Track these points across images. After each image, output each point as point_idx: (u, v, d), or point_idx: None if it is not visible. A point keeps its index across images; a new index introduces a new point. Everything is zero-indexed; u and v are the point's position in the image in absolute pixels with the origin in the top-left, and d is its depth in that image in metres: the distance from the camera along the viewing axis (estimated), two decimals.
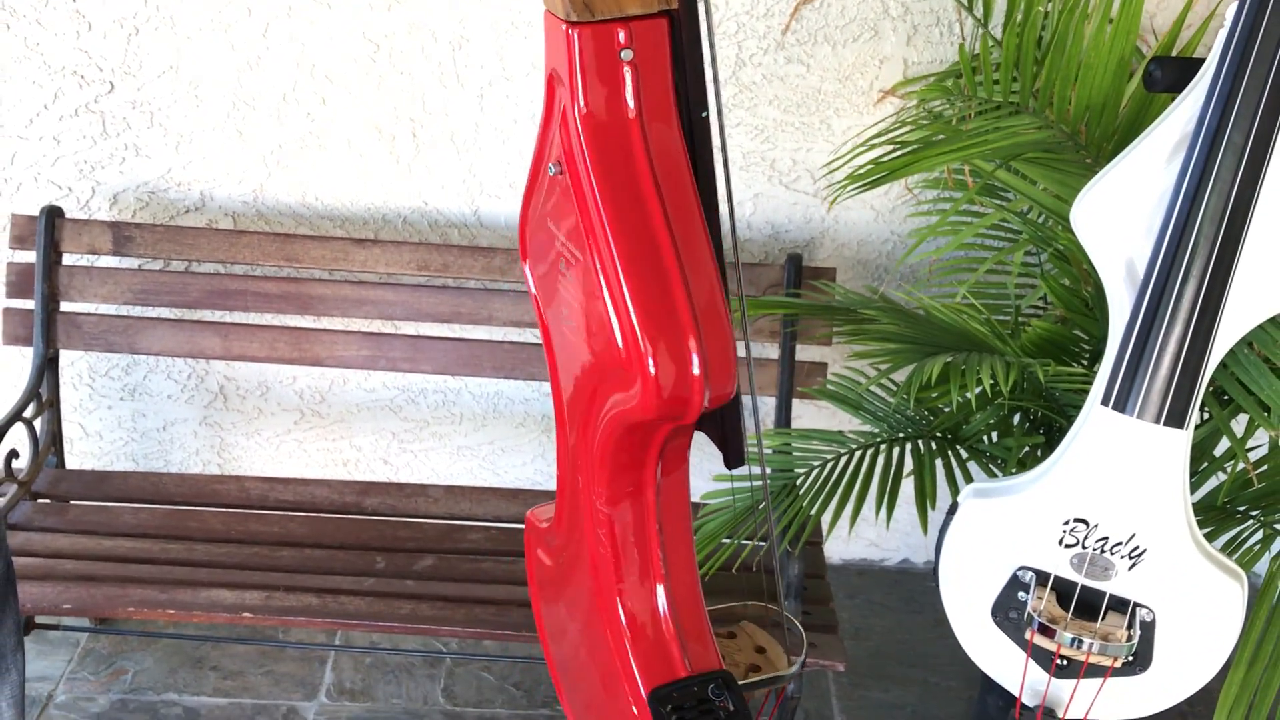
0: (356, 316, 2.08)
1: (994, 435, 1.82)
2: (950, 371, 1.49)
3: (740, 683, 1.21)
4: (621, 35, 0.88)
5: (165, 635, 2.18)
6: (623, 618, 1.02)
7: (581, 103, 0.90)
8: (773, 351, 2.07)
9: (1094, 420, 1.29)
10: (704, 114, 0.95)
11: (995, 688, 1.69)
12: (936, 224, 1.74)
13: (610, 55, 0.89)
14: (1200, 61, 1.23)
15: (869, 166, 1.61)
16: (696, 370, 0.96)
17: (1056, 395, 1.70)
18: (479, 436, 2.44)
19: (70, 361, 2.30)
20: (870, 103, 2.09)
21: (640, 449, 1.02)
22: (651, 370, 0.94)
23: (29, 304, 2.06)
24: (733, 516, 1.74)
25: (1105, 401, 1.27)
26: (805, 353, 2.07)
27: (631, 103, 0.90)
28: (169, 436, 2.44)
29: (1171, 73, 1.26)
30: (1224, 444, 1.68)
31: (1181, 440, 1.25)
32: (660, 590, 1.04)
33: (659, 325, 0.93)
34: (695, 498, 1.86)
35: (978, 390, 1.50)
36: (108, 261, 2.12)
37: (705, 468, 2.20)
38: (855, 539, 2.56)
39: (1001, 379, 1.46)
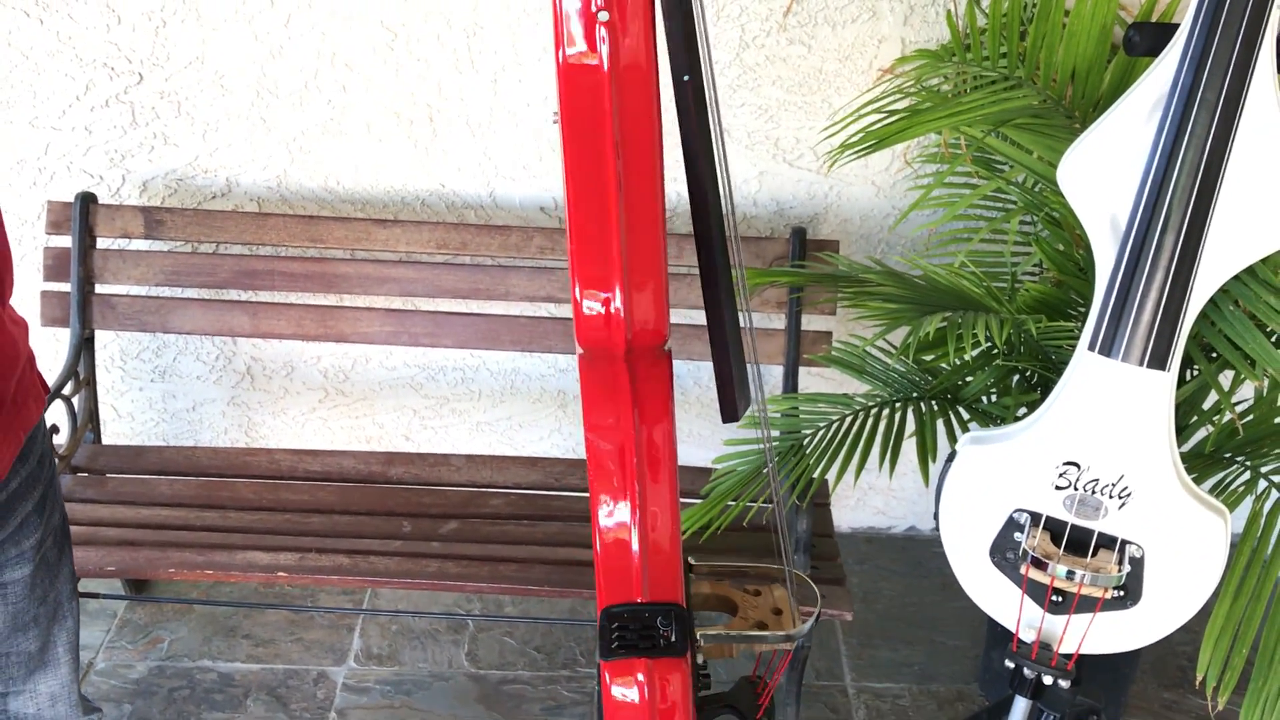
0: (378, 294, 2.16)
1: (993, 395, 1.90)
2: (947, 329, 1.57)
3: (735, 633, 1.29)
4: None
5: (199, 602, 2.27)
6: (598, 533, 1.11)
7: (560, 54, 0.98)
8: (780, 322, 2.15)
9: (1082, 366, 1.37)
10: (685, 78, 1.03)
11: (1000, 644, 1.77)
12: (926, 191, 1.82)
13: (588, 14, 0.96)
14: (1176, 26, 1.31)
15: (860, 135, 1.69)
16: (616, 310, 1.05)
17: (1051, 356, 1.78)
18: (497, 412, 2.52)
19: (103, 345, 2.39)
20: (870, 81, 2.16)
21: (609, 383, 1.10)
22: (578, 299, 1.04)
23: (65, 287, 2.15)
24: (740, 479, 1.82)
25: (1092, 347, 1.35)
26: (811, 322, 2.15)
27: (605, 61, 0.97)
28: (198, 416, 2.53)
29: (1149, 37, 1.34)
30: (1213, 398, 1.77)
31: (1165, 382, 1.33)
32: (632, 522, 1.11)
33: (590, 264, 1.02)
34: (708, 461, 1.94)
35: (974, 347, 1.60)
36: (140, 245, 2.21)
37: (717, 436, 2.29)
38: (863, 507, 2.63)
39: (996, 335, 1.54)
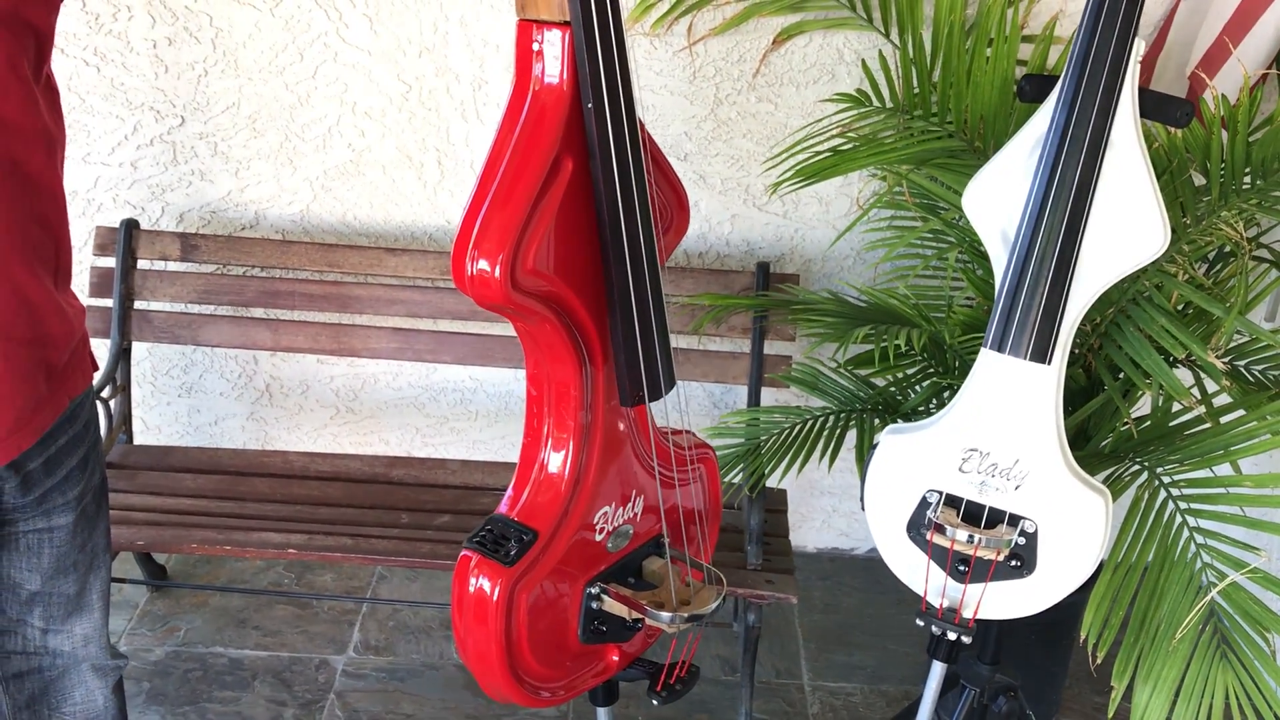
0: (387, 314, 2.41)
1: (930, 406, 2.13)
2: (875, 336, 1.81)
3: (615, 595, 1.46)
4: (535, 32, 1.26)
5: (214, 588, 2.48)
6: (518, 459, 1.41)
7: (513, 71, 1.30)
8: (745, 346, 2.39)
9: (982, 363, 1.60)
10: (589, 105, 1.29)
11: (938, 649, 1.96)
12: (854, 222, 2.11)
13: (527, 43, 1.27)
14: (1058, 77, 1.56)
15: (792, 172, 1.95)
16: (468, 268, 1.26)
17: None
18: (492, 432, 2.75)
19: (137, 361, 2.64)
20: (830, 134, 2.42)
21: (526, 338, 1.39)
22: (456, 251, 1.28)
23: (108, 303, 2.41)
24: None
25: (988, 345, 1.58)
26: (773, 347, 2.38)
27: (535, 78, 1.28)
28: (220, 430, 2.77)
29: (1036, 86, 1.59)
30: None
31: (1048, 374, 1.56)
32: (541, 450, 1.39)
33: (467, 226, 1.26)
34: None
35: (897, 354, 1.84)
36: (176, 267, 2.48)
37: None
38: (828, 529, 2.85)
39: (915, 342, 1.79)
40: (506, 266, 1.21)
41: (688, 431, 1.64)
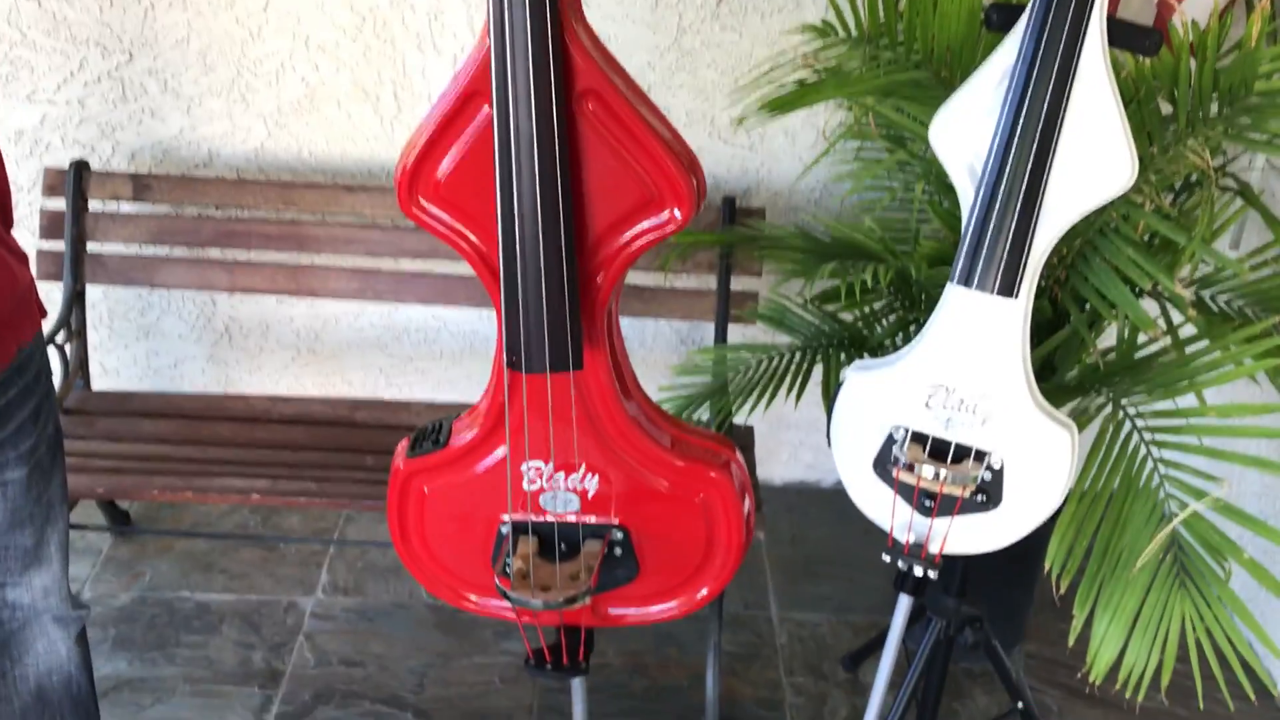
0: (346, 254, 2.36)
1: (897, 341, 2.12)
2: (841, 272, 1.79)
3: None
4: None
5: (178, 533, 2.46)
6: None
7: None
8: (711, 283, 2.36)
9: (948, 297, 1.59)
10: (489, 43, 1.20)
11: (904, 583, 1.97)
12: (826, 149, 2.08)
13: None
14: (1025, 5, 1.53)
15: (758, 105, 1.91)
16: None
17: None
18: (458, 371, 2.73)
19: (92, 304, 2.59)
20: (796, 66, 2.38)
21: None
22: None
23: (59, 245, 2.35)
24: (677, 408, 2.04)
25: (954, 280, 1.57)
26: (739, 283, 2.36)
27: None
28: (180, 373, 2.73)
29: (1004, 15, 1.56)
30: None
31: (1015, 308, 1.55)
32: (492, 380, 1.40)
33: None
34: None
35: (863, 289, 1.82)
36: (128, 208, 2.42)
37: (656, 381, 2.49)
38: (795, 462, 2.85)
39: (882, 278, 1.77)
40: (407, 178, 1.27)
41: (724, 466, 1.47)
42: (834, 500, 2.81)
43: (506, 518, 1.44)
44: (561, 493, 1.42)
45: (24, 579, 1.64)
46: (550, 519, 1.45)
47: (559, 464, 1.41)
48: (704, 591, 1.50)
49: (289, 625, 2.37)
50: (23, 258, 1.53)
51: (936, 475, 1.59)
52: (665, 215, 1.27)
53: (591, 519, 1.43)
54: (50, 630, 1.70)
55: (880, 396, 1.67)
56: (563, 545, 1.45)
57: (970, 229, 1.54)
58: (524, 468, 1.41)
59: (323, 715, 2.15)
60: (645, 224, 1.27)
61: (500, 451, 1.40)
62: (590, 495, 1.42)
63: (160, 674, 2.23)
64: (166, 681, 2.22)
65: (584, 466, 1.41)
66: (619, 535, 1.43)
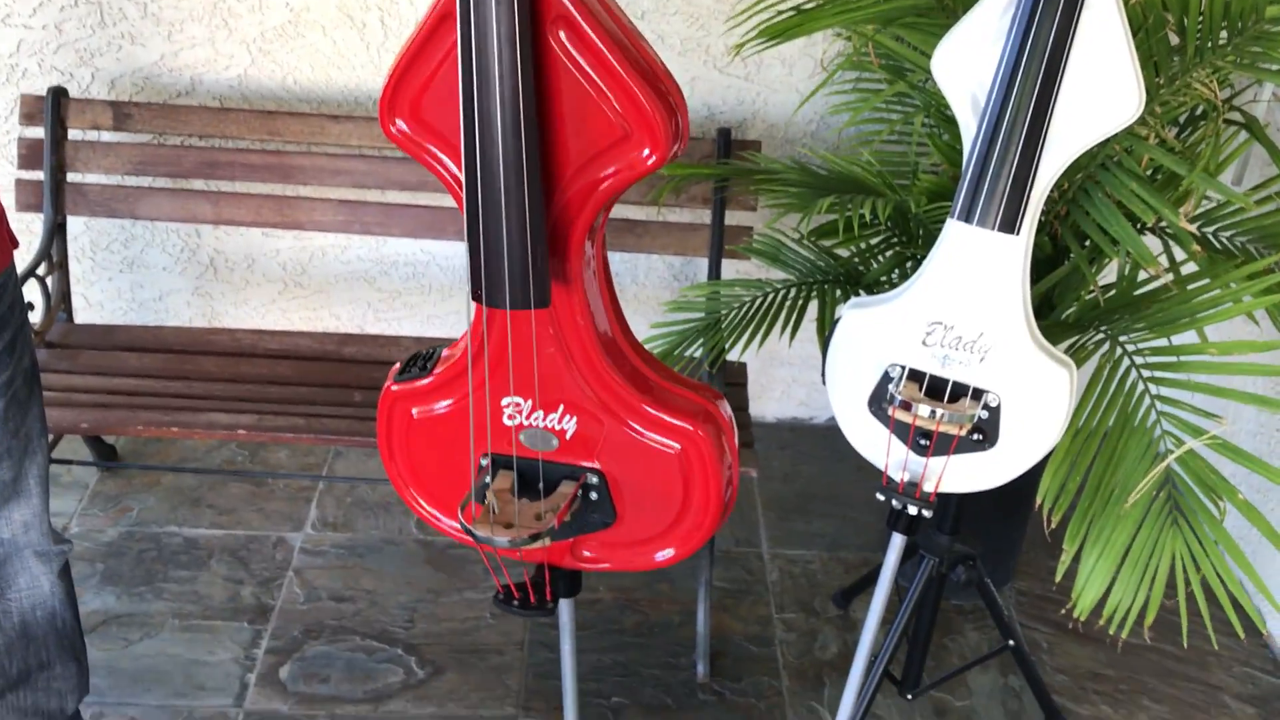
0: (332, 185, 2.31)
1: (894, 277, 2.09)
2: (839, 206, 1.75)
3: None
4: None
5: (165, 468, 2.43)
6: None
7: None
8: (705, 217, 2.32)
9: (948, 233, 1.55)
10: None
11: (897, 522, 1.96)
12: (818, 87, 2.02)
13: None
14: None
15: (755, 32, 1.86)
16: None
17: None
18: (446, 306, 2.69)
19: (74, 236, 2.54)
20: None
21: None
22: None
23: (39, 175, 2.29)
24: (670, 345, 2.01)
25: (955, 215, 1.53)
26: (734, 218, 2.32)
27: None
28: (164, 306, 2.69)
29: None
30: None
31: (1016, 245, 1.51)
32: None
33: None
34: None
35: (861, 225, 1.78)
36: (109, 137, 2.36)
37: (648, 317, 2.47)
38: (788, 399, 2.83)
39: (880, 212, 1.73)
40: (386, 98, 1.24)
41: (705, 419, 1.42)
42: (827, 437, 2.79)
43: (486, 459, 1.42)
44: (540, 431, 1.39)
45: (3, 513, 1.62)
46: (528, 456, 1.42)
47: (538, 402, 1.38)
48: (672, 552, 1.47)
49: (278, 561, 2.35)
50: None
51: (932, 414, 1.57)
52: (638, 155, 1.21)
53: (569, 460, 1.41)
54: (32, 565, 1.68)
55: (877, 334, 1.64)
56: (540, 485, 1.43)
57: (971, 163, 1.50)
58: (504, 403, 1.38)
59: (312, 650, 2.15)
60: (617, 163, 1.22)
61: (469, 380, 1.38)
62: (569, 436, 1.39)
63: (148, 609, 2.22)
64: (155, 617, 2.21)
65: (562, 407, 1.38)
66: (594, 480, 1.41)
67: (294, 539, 2.41)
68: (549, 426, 1.39)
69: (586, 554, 1.49)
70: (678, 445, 1.38)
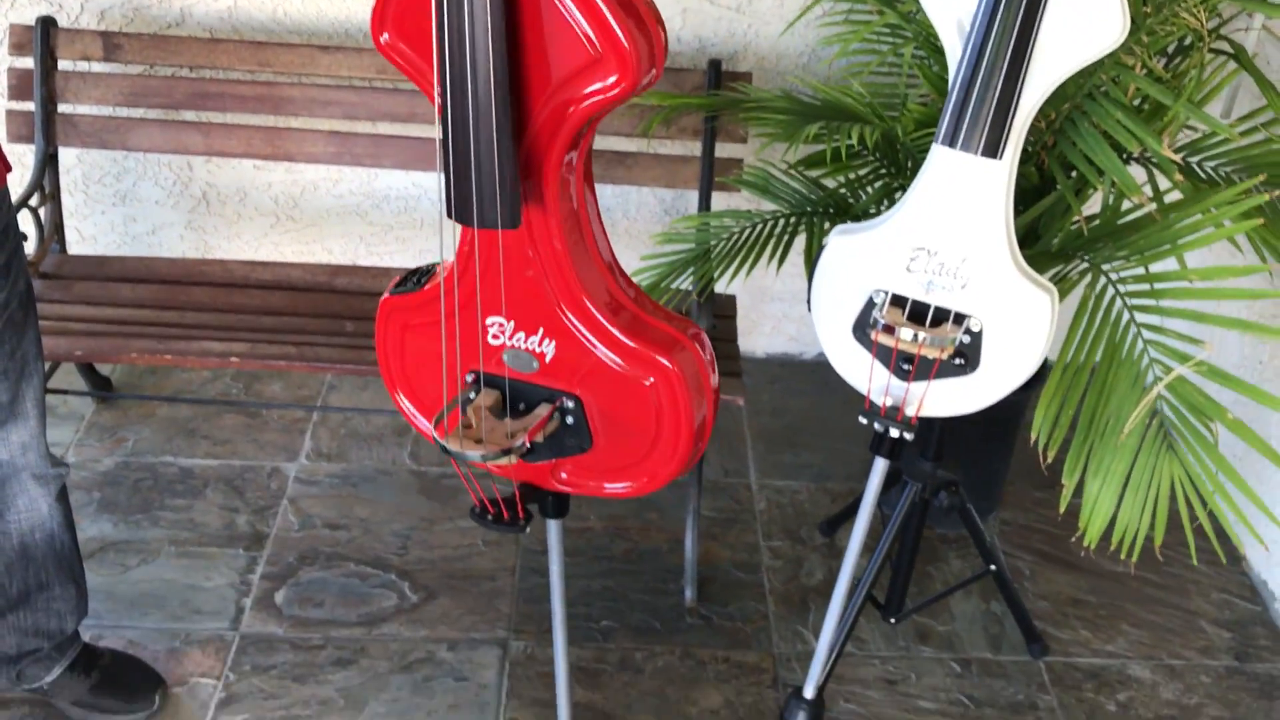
0: (323, 116, 2.31)
1: (881, 208, 2.10)
2: (826, 133, 1.76)
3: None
4: None
5: (161, 398, 2.46)
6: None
7: None
8: (696, 149, 2.33)
9: (932, 158, 1.56)
10: None
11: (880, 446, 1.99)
12: (806, 9, 2.00)
13: None
14: None
15: None
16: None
17: None
18: (438, 240, 2.70)
19: (66, 169, 2.54)
20: None
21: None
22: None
23: (29, 106, 2.29)
24: (659, 277, 2.03)
25: (939, 140, 1.54)
26: (724, 150, 2.33)
27: None
28: (157, 240, 2.70)
29: None
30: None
31: (999, 169, 1.52)
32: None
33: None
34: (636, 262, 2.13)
35: (849, 153, 1.79)
36: (99, 68, 2.36)
37: (639, 251, 2.48)
38: (778, 334, 2.85)
39: (868, 139, 1.74)
40: (378, 10, 1.25)
41: (679, 353, 1.42)
42: (816, 372, 2.82)
43: (472, 375, 1.45)
44: (522, 353, 1.41)
45: (1, 435, 1.65)
46: (521, 383, 1.45)
47: (519, 324, 1.40)
48: (649, 479, 1.49)
49: (273, 490, 2.39)
50: None
51: (915, 337, 1.59)
52: (608, 80, 1.21)
53: (548, 384, 1.43)
54: (30, 487, 1.71)
55: (862, 259, 1.66)
56: (521, 405, 1.45)
57: (956, 87, 1.51)
58: (488, 322, 1.40)
59: (307, 576, 2.19)
60: (587, 87, 1.22)
61: (457, 299, 1.40)
62: (548, 360, 1.41)
63: (145, 536, 2.26)
64: (151, 543, 2.24)
65: (542, 330, 1.40)
66: (570, 404, 1.43)
67: (289, 469, 2.44)
68: (529, 349, 1.41)
69: (564, 476, 1.52)
70: (651, 378, 1.40)
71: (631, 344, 1.39)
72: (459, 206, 1.29)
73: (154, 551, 2.22)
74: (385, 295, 1.46)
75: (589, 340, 1.39)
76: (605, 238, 1.45)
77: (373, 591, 2.16)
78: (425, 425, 1.53)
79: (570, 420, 1.44)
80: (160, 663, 2.00)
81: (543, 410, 1.43)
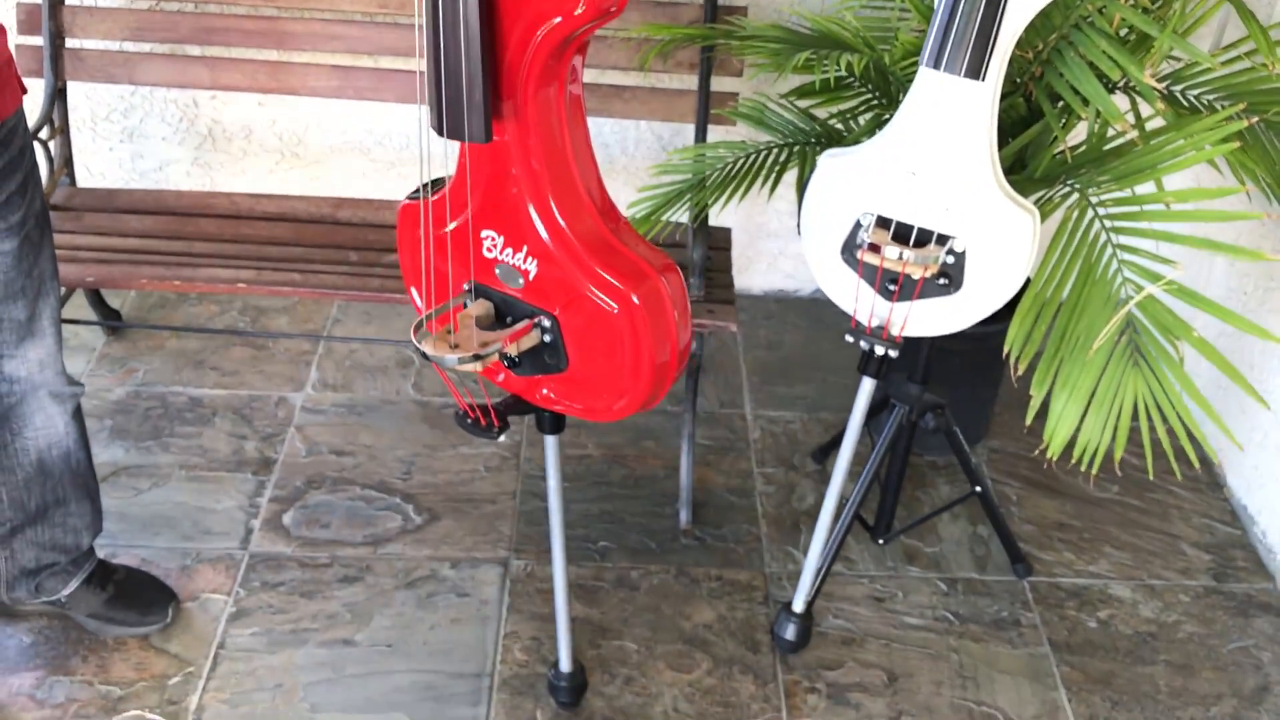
0: (326, 50, 2.35)
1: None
2: (815, 62, 1.81)
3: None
4: None
5: (170, 328, 2.51)
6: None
7: None
8: (692, 84, 2.37)
9: (919, 81, 1.61)
10: None
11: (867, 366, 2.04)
12: None
13: None
14: None
15: None
16: None
17: None
18: (426, 168, 2.74)
19: (74, 107, 2.59)
20: None
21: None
22: None
23: (38, 41, 2.34)
24: (655, 207, 2.08)
25: (925, 62, 1.59)
26: (720, 84, 2.37)
27: None
28: (164, 175, 2.75)
29: None
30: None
31: (983, 91, 1.57)
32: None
33: None
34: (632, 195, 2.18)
35: (838, 83, 1.83)
36: (107, 2, 2.40)
37: (638, 185, 2.52)
38: (774, 271, 2.90)
39: (856, 66, 1.78)
40: None
41: (645, 284, 1.44)
42: (810, 308, 2.87)
43: (469, 285, 1.51)
44: (510, 268, 1.47)
45: (19, 351, 1.70)
46: (510, 297, 1.50)
47: (508, 240, 1.45)
48: (616, 406, 1.53)
49: (280, 418, 2.45)
50: (0, 30, 1.55)
51: (899, 256, 1.64)
52: (570, 4, 1.26)
53: (531, 301, 1.48)
54: (47, 405, 1.77)
55: (850, 182, 1.70)
56: (509, 319, 1.51)
57: (940, 7, 1.56)
58: (483, 234, 1.46)
59: (314, 499, 2.26)
60: (550, 9, 1.26)
61: (455, 208, 1.46)
62: (531, 277, 1.46)
63: (156, 461, 2.32)
64: (162, 468, 2.31)
65: (526, 249, 1.45)
66: (547, 323, 1.48)
67: (295, 398, 2.51)
68: (515, 265, 1.47)
69: (545, 393, 1.58)
70: (615, 306, 1.43)
71: (599, 270, 1.43)
72: (436, 116, 1.35)
73: (165, 476, 2.29)
74: (403, 201, 1.53)
75: (563, 262, 1.44)
76: (593, 168, 1.48)
77: (378, 514, 2.23)
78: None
79: (548, 339, 1.49)
80: (172, 580, 2.07)
81: (520, 325, 1.49)
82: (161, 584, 2.03)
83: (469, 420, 1.56)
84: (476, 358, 1.42)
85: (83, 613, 1.96)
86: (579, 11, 1.25)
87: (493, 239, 1.46)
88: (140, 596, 2.00)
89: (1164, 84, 1.97)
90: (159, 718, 1.85)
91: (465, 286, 1.50)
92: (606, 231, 1.49)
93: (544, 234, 1.43)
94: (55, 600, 1.94)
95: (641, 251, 1.50)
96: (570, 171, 1.45)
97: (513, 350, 1.47)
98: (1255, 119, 1.84)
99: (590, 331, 1.46)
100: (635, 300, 1.43)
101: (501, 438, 1.56)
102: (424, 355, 1.43)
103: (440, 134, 1.36)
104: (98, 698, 1.87)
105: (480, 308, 1.49)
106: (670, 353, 1.50)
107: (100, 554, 2.03)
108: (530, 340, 1.48)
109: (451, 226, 1.50)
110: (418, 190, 1.53)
